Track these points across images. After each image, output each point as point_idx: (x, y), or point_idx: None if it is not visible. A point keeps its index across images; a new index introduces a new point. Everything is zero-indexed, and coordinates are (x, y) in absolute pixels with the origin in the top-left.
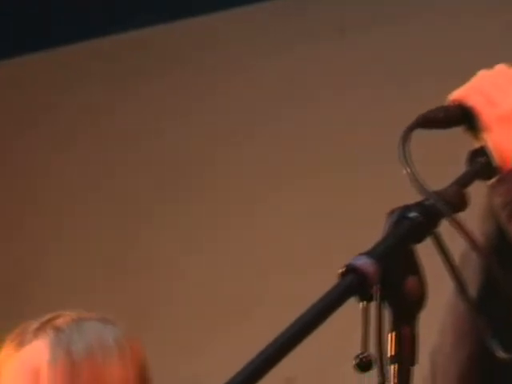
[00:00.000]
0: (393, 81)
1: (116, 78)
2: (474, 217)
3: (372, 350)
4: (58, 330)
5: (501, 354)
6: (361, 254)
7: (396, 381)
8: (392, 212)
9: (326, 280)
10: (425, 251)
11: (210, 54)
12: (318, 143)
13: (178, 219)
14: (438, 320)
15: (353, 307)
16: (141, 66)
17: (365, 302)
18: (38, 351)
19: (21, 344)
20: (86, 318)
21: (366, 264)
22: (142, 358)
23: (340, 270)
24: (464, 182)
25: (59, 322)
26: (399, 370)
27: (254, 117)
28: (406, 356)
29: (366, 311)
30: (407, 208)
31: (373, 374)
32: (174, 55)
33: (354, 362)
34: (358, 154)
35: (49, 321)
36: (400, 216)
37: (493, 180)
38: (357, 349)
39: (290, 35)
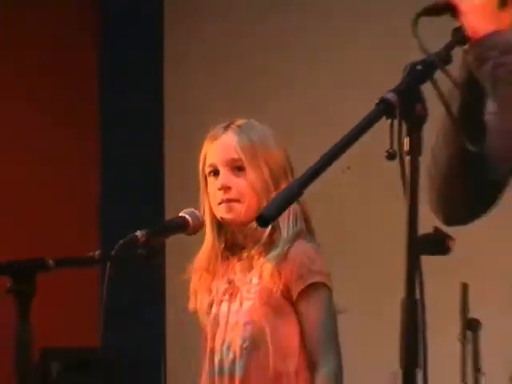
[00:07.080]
0: None
1: None
2: None
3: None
4: (239, 126)
5: (470, 147)
6: (389, 91)
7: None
8: (407, 66)
9: None
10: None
11: None
12: None
13: None
14: (434, 129)
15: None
16: None
17: (391, 119)
18: (230, 137)
19: (215, 137)
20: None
21: (391, 96)
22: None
23: (376, 101)
24: (449, 46)
25: (238, 123)
26: (411, 159)
27: None
28: (414, 147)
29: (392, 125)
30: (416, 63)
31: None
32: None
33: (385, 155)
34: None
35: (230, 123)
36: (411, 67)
37: (466, 45)
38: (387, 146)
39: None
